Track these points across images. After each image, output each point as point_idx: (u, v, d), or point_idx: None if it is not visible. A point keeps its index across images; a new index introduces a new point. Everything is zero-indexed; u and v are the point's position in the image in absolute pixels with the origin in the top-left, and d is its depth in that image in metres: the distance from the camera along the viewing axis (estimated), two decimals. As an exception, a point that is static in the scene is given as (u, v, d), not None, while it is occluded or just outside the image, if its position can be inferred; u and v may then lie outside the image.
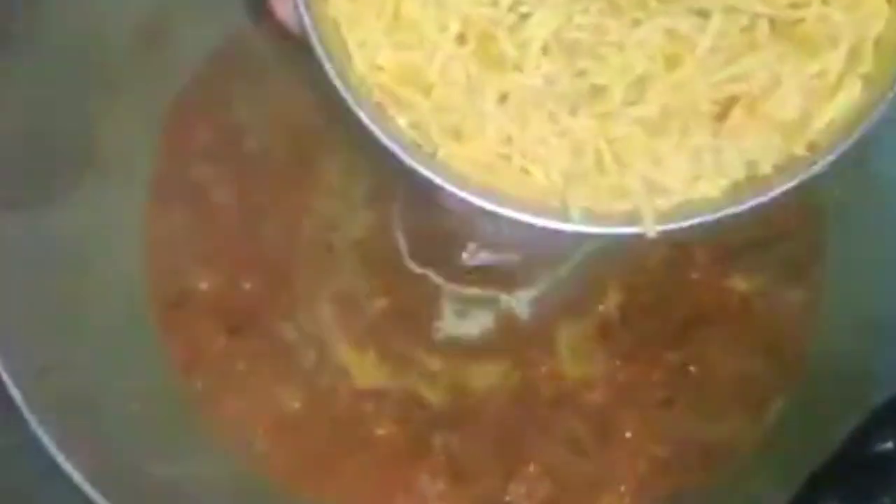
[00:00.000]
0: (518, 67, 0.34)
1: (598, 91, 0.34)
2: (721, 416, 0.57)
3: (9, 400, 0.49)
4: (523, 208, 0.35)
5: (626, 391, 0.57)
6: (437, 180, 0.35)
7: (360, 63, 0.35)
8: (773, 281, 0.58)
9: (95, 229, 0.55)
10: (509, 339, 0.58)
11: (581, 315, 0.58)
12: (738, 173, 0.35)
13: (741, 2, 0.34)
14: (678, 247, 0.57)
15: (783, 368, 0.57)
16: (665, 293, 0.57)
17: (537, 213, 0.35)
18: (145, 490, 0.52)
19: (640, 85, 0.34)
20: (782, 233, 0.57)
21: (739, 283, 0.57)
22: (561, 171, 0.35)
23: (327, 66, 0.35)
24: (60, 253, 0.54)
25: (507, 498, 0.55)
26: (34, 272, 0.53)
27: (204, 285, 0.58)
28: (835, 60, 0.34)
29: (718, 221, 0.36)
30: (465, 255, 0.58)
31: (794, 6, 0.34)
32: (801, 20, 0.34)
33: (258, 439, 0.56)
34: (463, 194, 0.35)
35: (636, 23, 0.34)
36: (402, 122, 0.36)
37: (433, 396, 0.57)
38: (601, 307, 0.58)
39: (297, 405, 0.56)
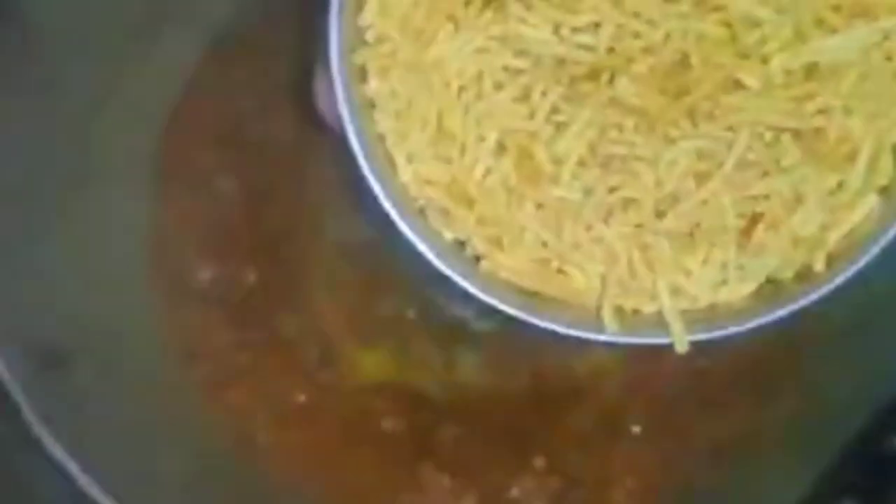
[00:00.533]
0: (554, 181, 0.37)
1: (629, 203, 0.37)
2: (731, 410, 0.56)
3: (6, 391, 0.49)
4: (559, 320, 0.39)
5: (635, 385, 0.56)
6: (479, 294, 0.38)
7: (406, 176, 0.38)
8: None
9: (95, 219, 0.55)
10: (516, 334, 0.57)
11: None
12: (760, 280, 0.38)
13: (768, 116, 0.36)
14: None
15: (794, 361, 0.56)
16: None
17: (572, 325, 0.39)
18: (145, 483, 0.51)
19: (671, 198, 0.37)
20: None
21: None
22: (596, 274, 0.38)
23: (373, 183, 0.37)
24: (59, 243, 0.54)
25: (514, 493, 0.55)
26: (34, 264, 0.52)
27: (206, 275, 0.58)
28: (854, 173, 0.37)
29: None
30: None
31: (821, 113, 0.36)
32: (823, 129, 0.36)
33: (261, 433, 0.56)
34: (504, 307, 0.38)
35: (670, 141, 0.36)
36: (447, 235, 0.39)
37: (439, 390, 0.56)
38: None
39: (301, 398, 0.56)
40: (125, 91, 0.57)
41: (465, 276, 0.38)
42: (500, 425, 0.55)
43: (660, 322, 0.39)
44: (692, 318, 0.38)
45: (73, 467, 0.48)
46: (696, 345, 0.40)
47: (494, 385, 0.56)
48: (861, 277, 0.38)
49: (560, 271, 0.39)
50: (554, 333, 0.39)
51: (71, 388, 0.51)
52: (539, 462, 0.55)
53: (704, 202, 0.37)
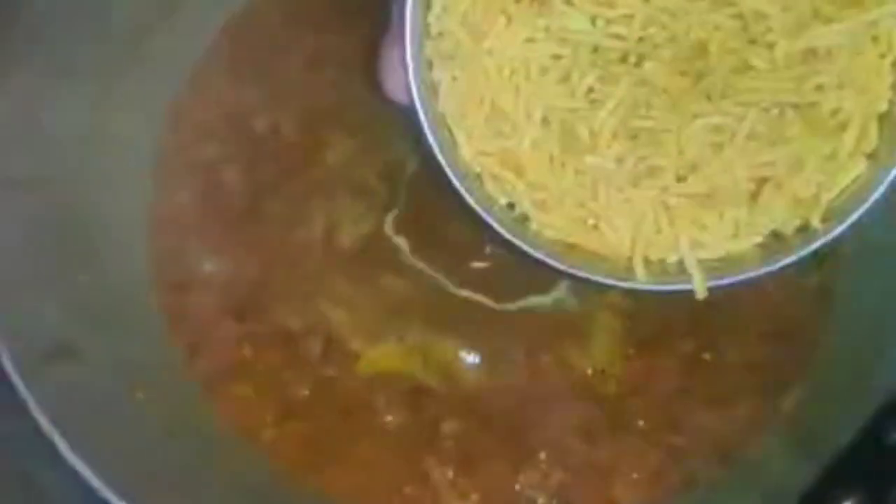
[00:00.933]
0: (591, 151, 0.43)
1: (655, 169, 0.43)
2: (735, 405, 0.56)
3: (12, 386, 0.49)
4: (596, 271, 0.44)
5: (640, 379, 0.56)
6: (532, 252, 0.44)
7: (466, 150, 0.44)
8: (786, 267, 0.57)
9: (100, 211, 0.55)
10: (522, 328, 0.57)
11: (594, 303, 0.58)
12: (766, 234, 0.44)
13: (773, 93, 0.42)
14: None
15: (798, 356, 0.57)
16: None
17: (607, 275, 0.44)
18: (149, 478, 0.51)
19: (691, 165, 0.43)
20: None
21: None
22: (627, 230, 0.44)
23: (440, 157, 0.43)
24: (64, 236, 0.53)
25: (518, 486, 0.55)
26: (38, 257, 0.52)
27: (209, 268, 0.58)
28: (846, 141, 0.43)
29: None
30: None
31: (818, 89, 0.42)
32: (819, 103, 0.42)
33: (265, 427, 0.56)
34: (549, 260, 0.44)
35: (690, 116, 0.42)
36: (501, 200, 0.44)
37: (443, 385, 0.57)
38: (614, 296, 0.58)
39: (305, 392, 0.56)
40: (128, 81, 0.56)
41: (515, 235, 0.44)
42: (505, 419, 0.56)
43: (682, 270, 0.44)
44: (709, 267, 0.44)
45: (78, 462, 0.48)
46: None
47: (497, 379, 0.56)
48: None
49: (595, 228, 0.44)
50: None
51: (75, 383, 0.50)
52: (543, 455, 0.55)
53: (720, 168, 0.43)
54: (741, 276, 0.44)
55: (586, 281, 0.45)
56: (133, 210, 0.57)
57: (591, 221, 0.44)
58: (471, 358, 0.57)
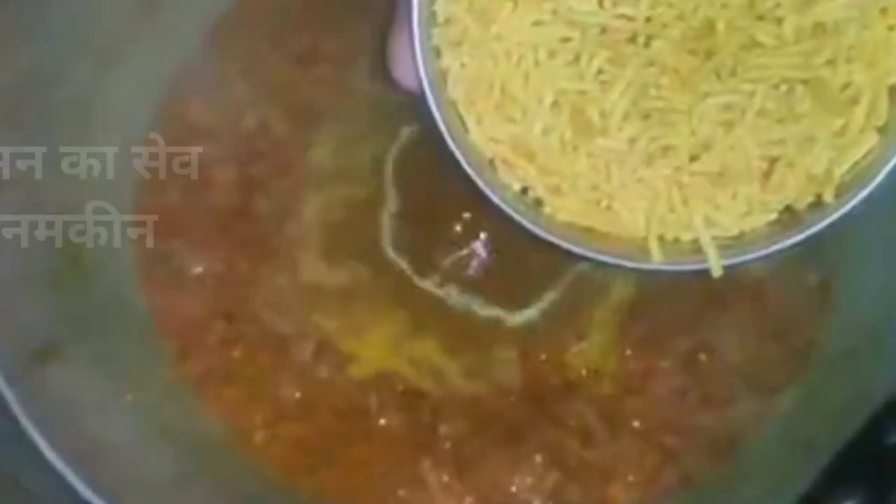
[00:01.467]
0: (603, 133, 0.43)
1: (668, 149, 0.43)
2: (732, 405, 0.56)
3: (-4, 387, 0.48)
4: (611, 253, 0.44)
5: (636, 380, 0.56)
6: (547, 237, 0.44)
7: (476, 136, 0.43)
8: (787, 265, 0.57)
9: (87, 210, 0.54)
10: (517, 329, 0.57)
11: (591, 303, 0.58)
12: (779, 211, 0.44)
13: (782, 70, 0.42)
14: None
15: (796, 355, 0.57)
16: (677, 279, 0.56)
17: (622, 257, 0.44)
18: (138, 481, 0.51)
19: (703, 144, 0.43)
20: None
21: (753, 268, 0.56)
22: (641, 210, 0.44)
23: (451, 144, 0.43)
24: (51, 236, 0.53)
25: (514, 488, 0.55)
26: (25, 258, 0.51)
27: (198, 268, 0.57)
28: (857, 116, 0.42)
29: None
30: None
31: (827, 64, 0.42)
32: (829, 79, 0.42)
33: (257, 429, 0.55)
34: (564, 244, 0.44)
35: (701, 95, 0.42)
36: (514, 185, 0.44)
37: (438, 386, 0.56)
38: (612, 296, 0.58)
39: (297, 394, 0.56)
40: (115, 80, 0.56)
41: (530, 220, 0.44)
42: (500, 421, 0.55)
43: (696, 249, 0.44)
44: (723, 245, 0.44)
45: (64, 466, 0.48)
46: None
47: (493, 381, 0.56)
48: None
49: (609, 209, 0.44)
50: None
51: (62, 385, 0.50)
52: (539, 457, 0.54)
53: (731, 147, 0.43)
54: (756, 253, 0.44)
55: (602, 263, 0.44)
56: (122, 209, 0.57)
57: (604, 203, 0.44)
58: (465, 359, 0.57)
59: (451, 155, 0.43)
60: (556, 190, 0.44)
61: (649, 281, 0.57)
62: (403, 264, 0.58)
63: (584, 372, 0.56)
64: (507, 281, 0.57)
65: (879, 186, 0.43)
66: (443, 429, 0.55)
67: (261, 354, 0.56)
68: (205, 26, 0.58)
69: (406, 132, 0.59)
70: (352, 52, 0.59)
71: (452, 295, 0.57)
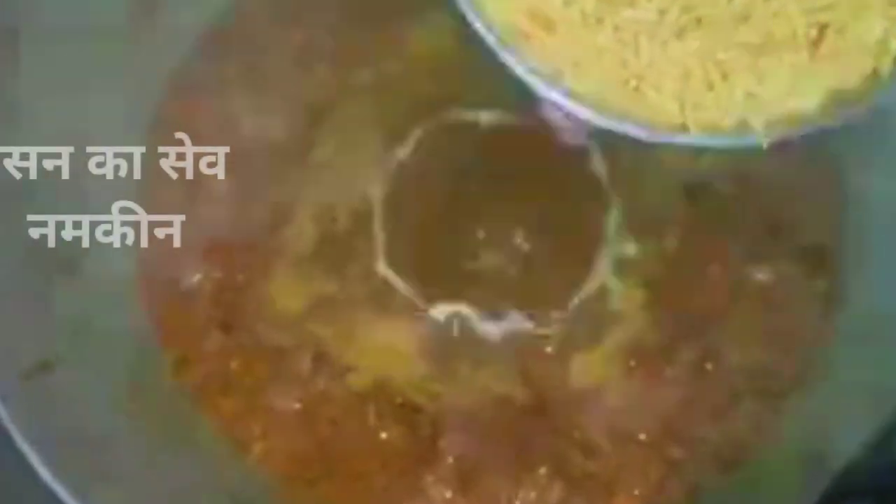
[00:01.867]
0: (631, 4, 0.41)
1: (702, 20, 0.41)
2: (737, 414, 0.56)
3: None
4: (639, 125, 0.42)
5: (641, 391, 0.55)
6: (568, 106, 0.42)
7: (494, 12, 0.42)
8: (793, 271, 0.57)
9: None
10: (519, 339, 0.56)
11: (595, 314, 0.57)
12: (827, 88, 0.42)
13: None
14: (696, 236, 0.57)
15: (803, 363, 0.56)
16: (683, 287, 0.57)
17: (653, 131, 0.42)
18: (135, 492, 0.50)
19: (741, 15, 0.41)
20: (802, 222, 0.57)
21: (759, 274, 0.56)
22: (672, 93, 0.41)
23: (470, 14, 0.42)
24: (48, 246, 0.52)
25: (518, 502, 0.54)
26: (21, 267, 0.51)
27: (196, 277, 0.56)
28: None
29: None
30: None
31: None
32: None
33: (255, 440, 0.55)
34: (589, 116, 0.42)
35: None
36: (533, 58, 0.42)
37: (441, 399, 0.56)
38: (616, 305, 0.57)
39: (295, 405, 0.55)
40: (111, 84, 0.55)
41: (550, 88, 0.42)
42: (504, 434, 0.55)
43: (739, 133, 0.42)
44: (768, 123, 0.42)
45: (55, 476, 0.47)
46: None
47: (496, 393, 0.56)
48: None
49: (637, 90, 0.42)
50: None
51: (60, 395, 0.49)
52: (543, 471, 0.54)
53: (775, 14, 0.41)
54: (802, 131, 0.42)
55: (631, 139, 0.43)
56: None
57: (633, 83, 0.42)
58: (473, 372, 0.56)
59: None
60: (578, 66, 0.42)
61: (656, 290, 0.56)
62: (398, 276, 0.57)
63: (588, 384, 0.56)
64: (507, 296, 0.57)
65: None
66: (442, 442, 0.55)
67: (258, 365, 0.56)
68: (204, 27, 0.58)
69: (401, 152, 0.58)
70: (352, 52, 0.59)
71: (448, 307, 0.57)
